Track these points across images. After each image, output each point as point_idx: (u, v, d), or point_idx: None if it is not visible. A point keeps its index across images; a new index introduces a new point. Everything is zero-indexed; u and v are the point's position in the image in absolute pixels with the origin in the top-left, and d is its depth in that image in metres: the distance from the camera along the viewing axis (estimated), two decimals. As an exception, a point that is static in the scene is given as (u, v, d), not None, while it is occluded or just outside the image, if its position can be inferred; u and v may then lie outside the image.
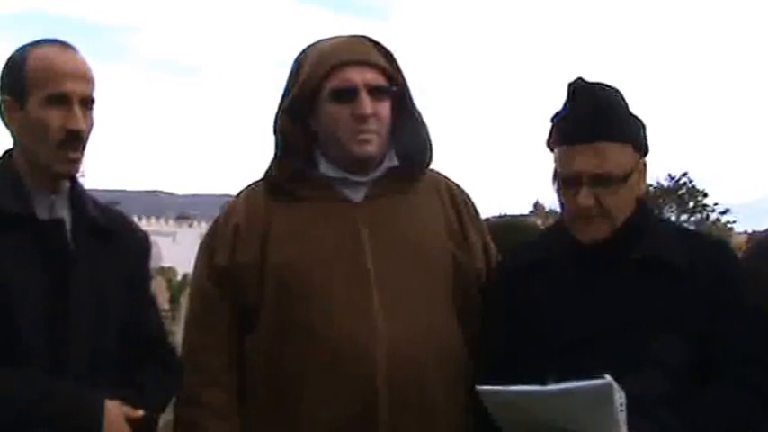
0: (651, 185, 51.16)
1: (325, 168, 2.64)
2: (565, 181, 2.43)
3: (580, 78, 2.48)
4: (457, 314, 2.63)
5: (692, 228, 2.75)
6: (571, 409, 2.16)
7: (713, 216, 51.96)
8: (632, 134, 2.45)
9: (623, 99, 2.48)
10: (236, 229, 2.64)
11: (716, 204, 52.52)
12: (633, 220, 2.47)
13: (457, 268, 2.65)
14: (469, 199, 2.82)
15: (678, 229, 2.63)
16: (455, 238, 2.69)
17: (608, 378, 2.11)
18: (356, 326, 2.50)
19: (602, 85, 2.49)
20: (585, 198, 2.39)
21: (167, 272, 17.89)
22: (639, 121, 2.49)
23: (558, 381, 2.16)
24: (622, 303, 2.40)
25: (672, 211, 51.29)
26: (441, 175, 2.85)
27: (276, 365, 2.56)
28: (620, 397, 2.13)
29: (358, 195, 2.64)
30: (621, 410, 2.13)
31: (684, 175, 52.72)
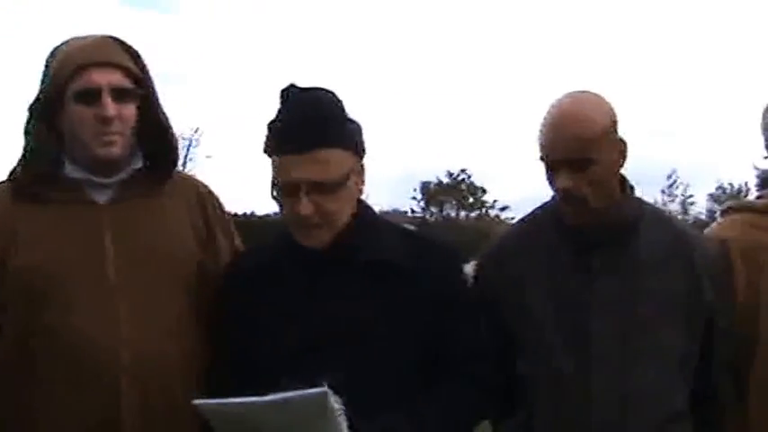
0: (431, 182, 52.52)
1: (70, 170, 2.62)
2: (283, 189, 2.43)
3: (292, 84, 2.48)
4: (203, 319, 2.63)
5: (412, 229, 2.77)
6: (290, 419, 2.18)
7: (493, 212, 53.59)
8: (348, 138, 2.46)
9: (338, 102, 2.49)
10: None
11: (495, 201, 54.27)
12: (355, 223, 2.49)
13: (202, 273, 2.66)
14: (218, 200, 2.84)
15: (402, 230, 2.67)
16: (201, 242, 2.70)
17: (324, 387, 2.14)
18: (98, 332, 2.48)
19: (317, 89, 2.49)
20: (305, 207, 2.39)
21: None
22: (356, 123, 2.50)
23: (289, 385, 2.18)
24: (346, 307, 2.42)
25: (452, 207, 52.67)
26: (189, 176, 2.88)
27: (17, 371, 2.51)
28: (337, 404, 2.16)
29: (103, 197, 2.63)
30: (340, 417, 2.17)
31: (463, 171, 54.25)
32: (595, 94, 2.62)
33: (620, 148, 2.60)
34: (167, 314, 2.56)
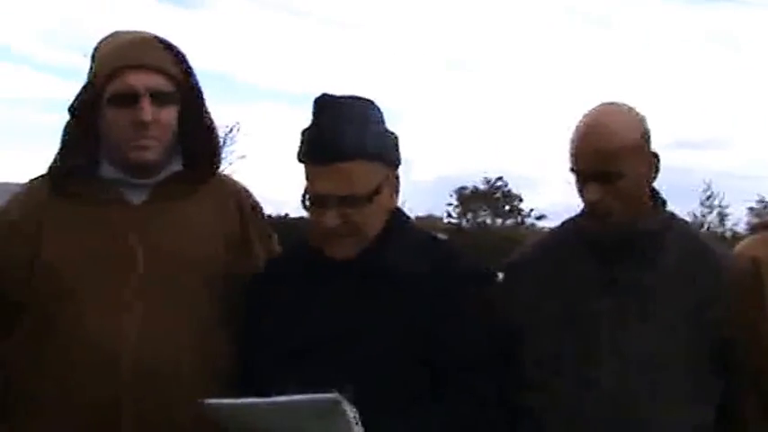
0: (467, 188, 52.31)
1: (106, 170, 2.62)
2: (311, 199, 2.42)
3: (326, 94, 2.44)
4: (227, 326, 2.60)
5: (442, 238, 2.75)
6: (299, 422, 2.17)
7: (528, 221, 53.27)
8: (380, 150, 2.43)
9: (375, 112, 2.46)
10: (12, 224, 2.60)
11: (531, 210, 53.96)
12: (382, 234, 2.45)
13: (230, 279, 2.61)
14: (258, 205, 2.82)
15: (430, 240, 2.62)
16: (234, 248, 2.67)
17: (335, 393, 2.12)
18: (107, 332, 2.47)
19: (351, 99, 2.45)
20: (332, 219, 2.38)
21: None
22: (391, 134, 2.48)
23: (288, 391, 2.17)
24: (347, 311, 2.40)
25: (486, 215, 52.42)
26: (230, 179, 2.85)
27: (29, 361, 2.53)
28: (352, 411, 2.14)
29: (138, 198, 2.62)
30: (357, 424, 2.15)
31: (500, 179, 53.98)
32: (626, 106, 2.60)
33: (651, 162, 2.58)
34: (184, 321, 2.53)
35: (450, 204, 52.17)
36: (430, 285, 2.41)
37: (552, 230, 2.83)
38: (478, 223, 50.60)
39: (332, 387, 2.13)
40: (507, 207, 53.76)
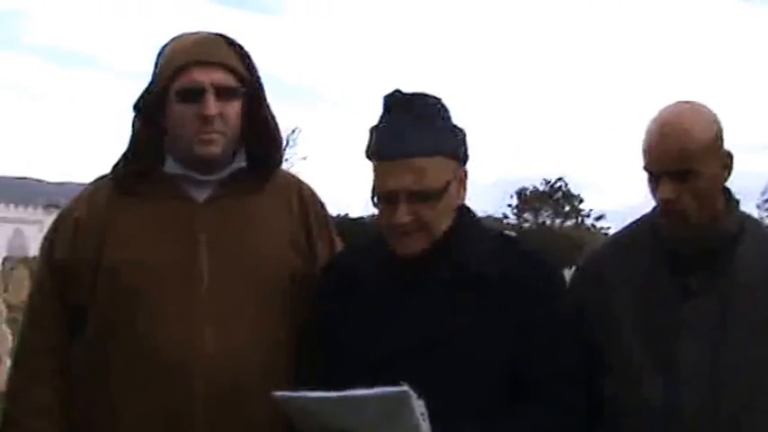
0: (527, 189, 52.18)
1: (171, 166, 2.62)
2: (381, 196, 2.41)
3: (397, 90, 2.44)
4: (292, 326, 2.59)
5: (513, 236, 2.74)
6: (368, 416, 2.16)
7: (588, 221, 53.04)
8: (449, 146, 2.42)
9: (443, 109, 2.46)
10: (77, 223, 2.61)
11: (591, 210, 53.70)
12: (452, 232, 2.43)
13: (295, 280, 2.61)
14: (322, 204, 2.81)
15: (501, 239, 2.58)
16: (298, 248, 2.67)
17: (405, 386, 2.11)
18: (179, 333, 2.48)
19: (420, 95, 2.44)
20: (403, 215, 2.36)
21: (31, 262, 17.28)
22: (459, 130, 2.47)
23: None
24: (430, 319, 2.38)
25: (547, 215, 52.28)
26: (293, 177, 2.84)
27: (96, 369, 2.53)
28: (420, 406, 2.13)
29: (202, 195, 2.62)
30: (424, 420, 2.13)
31: (560, 179, 53.79)
32: (701, 105, 2.56)
33: (725, 162, 2.54)
34: (254, 322, 2.53)
35: (510, 206, 52.12)
36: (514, 291, 2.39)
37: (624, 231, 2.78)
38: (539, 224, 50.42)
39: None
40: (567, 207, 53.60)
